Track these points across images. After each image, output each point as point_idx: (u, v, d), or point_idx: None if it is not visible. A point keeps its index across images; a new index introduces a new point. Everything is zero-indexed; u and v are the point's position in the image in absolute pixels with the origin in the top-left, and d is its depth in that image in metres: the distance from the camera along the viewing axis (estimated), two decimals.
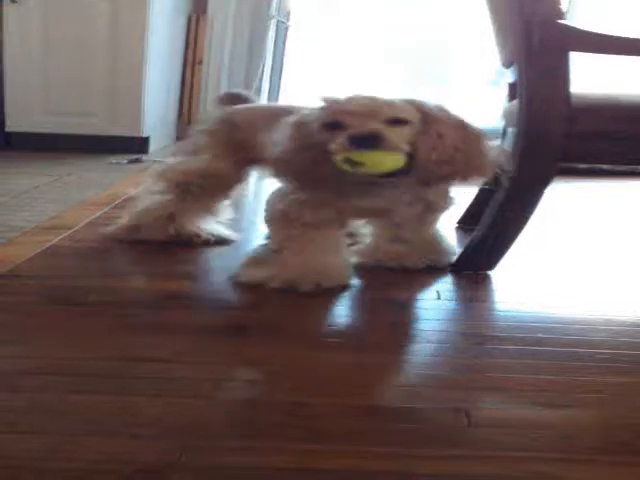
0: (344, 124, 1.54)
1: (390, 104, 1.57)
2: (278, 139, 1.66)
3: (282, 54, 4.68)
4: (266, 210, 1.74)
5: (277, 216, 1.70)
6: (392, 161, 1.53)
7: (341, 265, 1.71)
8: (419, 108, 1.60)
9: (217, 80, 4.53)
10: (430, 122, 1.59)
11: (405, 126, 1.57)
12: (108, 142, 3.93)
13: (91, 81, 3.92)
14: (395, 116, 1.56)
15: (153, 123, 4.05)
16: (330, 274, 1.66)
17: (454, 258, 1.86)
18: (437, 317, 1.54)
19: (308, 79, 4.88)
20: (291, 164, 1.63)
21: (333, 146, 1.54)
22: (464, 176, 1.64)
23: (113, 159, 3.66)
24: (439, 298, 1.65)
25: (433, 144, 1.58)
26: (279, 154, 1.65)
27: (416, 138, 1.58)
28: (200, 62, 4.51)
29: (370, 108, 1.55)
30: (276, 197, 1.73)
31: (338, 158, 1.53)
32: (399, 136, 1.54)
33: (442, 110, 1.64)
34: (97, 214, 2.41)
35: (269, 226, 1.74)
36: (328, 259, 1.68)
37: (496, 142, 1.80)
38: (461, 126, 1.63)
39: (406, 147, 1.55)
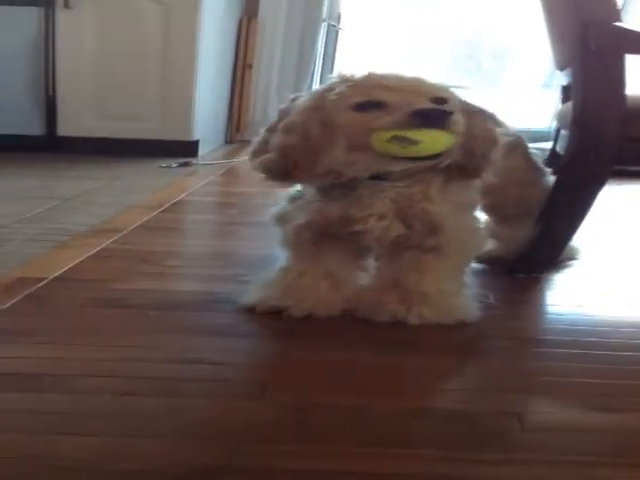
0: (385, 103, 1.36)
1: (433, 82, 1.43)
2: (288, 125, 1.44)
3: (333, 57, 4.69)
4: (280, 231, 1.59)
5: (290, 236, 1.55)
6: (447, 140, 1.37)
7: (338, 294, 1.54)
8: (454, 94, 1.47)
9: (267, 84, 4.55)
10: (470, 111, 1.46)
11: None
12: (158, 146, 3.96)
13: (142, 85, 3.95)
14: (440, 95, 1.41)
15: (203, 127, 4.08)
16: (324, 303, 1.52)
17: (468, 318, 1.52)
18: (488, 320, 1.53)
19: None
20: (296, 155, 1.42)
21: (380, 122, 1.35)
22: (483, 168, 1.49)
23: (163, 163, 3.70)
24: (492, 301, 1.63)
25: (476, 135, 1.45)
26: (283, 141, 1.43)
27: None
28: (251, 66, 4.53)
29: (416, 84, 1.40)
30: (284, 216, 1.57)
31: (383, 137, 1.35)
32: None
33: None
34: (147, 218, 2.44)
35: (284, 247, 1.59)
36: (326, 285, 1.53)
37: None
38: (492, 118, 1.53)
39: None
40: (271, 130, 1.49)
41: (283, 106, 1.52)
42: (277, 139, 1.44)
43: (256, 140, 1.52)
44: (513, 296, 1.72)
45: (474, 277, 1.74)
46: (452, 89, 1.48)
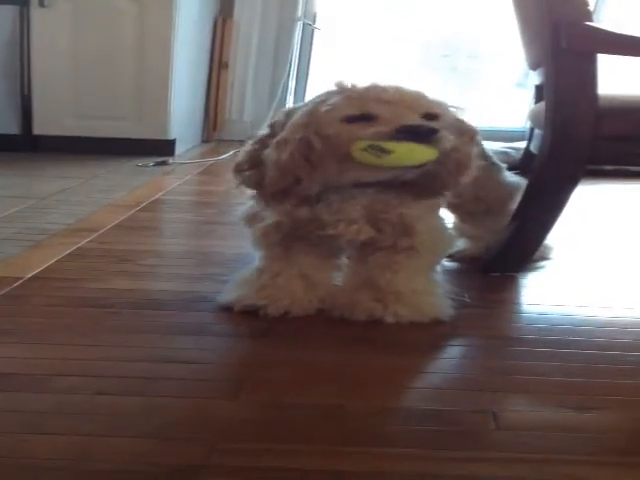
0: (376, 116, 1.37)
1: (427, 97, 1.42)
2: (282, 141, 1.42)
3: (309, 57, 4.68)
4: (250, 231, 1.58)
5: (259, 237, 1.54)
6: (427, 153, 1.37)
7: (313, 294, 1.54)
8: (447, 109, 1.45)
9: (243, 83, 4.55)
10: (460, 128, 1.45)
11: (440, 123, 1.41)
12: (135, 145, 3.94)
13: (118, 85, 3.93)
14: (432, 111, 1.41)
15: (179, 126, 4.06)
16: (300, 302, 1.52)
17: (443, 316, 1.52)
18: (464, 319, 1.53)
19: (334, 80, 4.87)
20: (289, 172, 1.40)
21: (362, 133, 1.35)
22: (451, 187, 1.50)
23: (139, 162, 3.68)
24: (467, 300, 1.64)
25: (461, 154, 1.44)
26: (277, 159, 1.40)
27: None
28: (226, 65, 4.53)
29: (409, 99, 1.39)
30: (252, 216, 1.56)
31: (360, 145, 1.35)
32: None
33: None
34: (124, 217, 2.43)
35: (255, 248, 1.59)
36: (301, 285, 1.53)
37: (497, 143, 1.69)
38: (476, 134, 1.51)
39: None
40: (260, 143, 1.47)
41: (276, 119, 1.50)
42: (272, 155, 1.41)
43: (243, 152, 1.49)
44: (488, 295, 1.71)
45: (448, 276, 1.75)
46: (450, 107, 1.47)
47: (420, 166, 1.39)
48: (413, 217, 1.48)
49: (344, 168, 1.41)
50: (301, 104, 1.51)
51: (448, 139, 1.38)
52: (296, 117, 1.43)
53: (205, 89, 4.57)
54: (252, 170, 1.45)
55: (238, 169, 1.48)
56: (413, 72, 4.96)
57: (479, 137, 1.55)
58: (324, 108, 1.40)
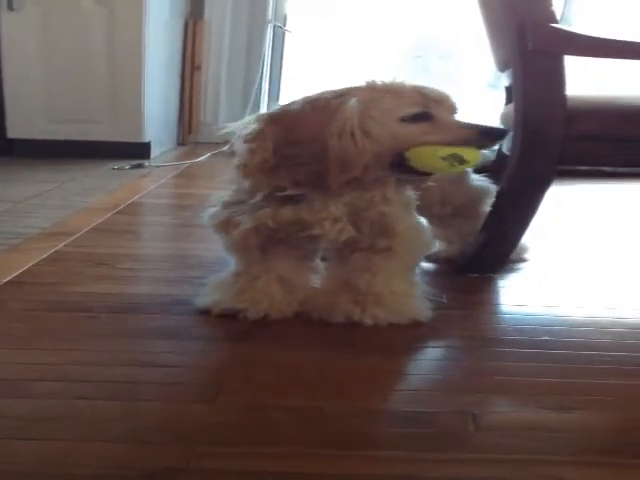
0: (433, 116, 1.40)
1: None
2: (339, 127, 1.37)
3: (281, 58, 4.68)
4: (223, 237, 1.55)
5: (238, 242, 1.51)
6: (480, 157, 1.42)
7: (292, 296, 1.53)
8: None
9: (217, 85, 4.54)
10: None
11: None
12: (110, 148, 3.92)
13: (91, 88, 3.90)
14: (457, 108, 1.46)
15: (154, 128, 4.04)
16: (279, 305, 1.51)
17: (422, 318, 1.51)
18: (443, 321, 1.53)
19: (308, 82, 4.88)
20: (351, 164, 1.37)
21: (436, 138, 1.37)
22: None
23: (115, 165, 3.66)
24: (445, 301, 1.63)
25: None
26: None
27: None
28: (199, 68, 4.51)
29: (446, 98, 1.44)
30: (226, 222, 1.52)
31: (439, 153, 1.35)
32: None
33: None
34: (100, 220, 2.41)
35: (231, 253, 1.58)
36: (280, 288, 1.52)
37: None
38: None
39: None
40: (254, 140, 1.40)
41: (271, 112, 1.46)
42: (335, 146, 1.35)
43: (253, 151, 1.40)
44: (466, 296, 1.71)
45: (425, 277, 1.76)
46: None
47: None
48: (393, 217, 1.47)
49: (376, 168, 1.40)
50: (296, 100, 1.46)
51: None
52: (343, 109, 1.37)
53: (179, 92, 4.55)
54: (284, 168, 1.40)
55: (263, 167, 1.40)
56: (385, 73, 4.96)
57: None
58: (378, 105, 1.39)
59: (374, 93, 1.42)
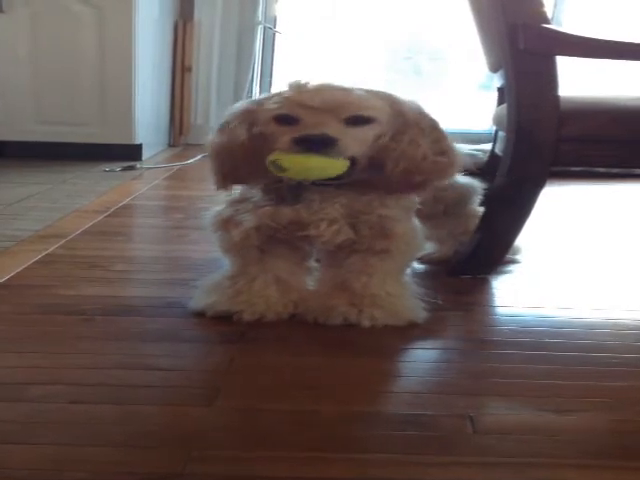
0: (298, 119, 1.38)
1: (356, 100, 1.38)
2: (221, 125, 1.49)
3: (271, 60, 4.68)
4: (221, 237, 1.56)
5: (238, 242, 1.51)
6: (320, 170, 1.37)
7: (288, 298, 1.53)
8: (394, 106, 1.43)
9: (207, 87, 4.53)
10: (405, 125, 1.42)
11: (370, 125, 1.40)
12: (101, 150, 3.91)
13: (81, 89, 3.89)
14: (358, 114, 1.38)
15: (145, 130, 4.03)
16: (275, 307, 1.51)
17: (418, 319, 1.51)
18: (438, 322, 1.53)
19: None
20: (223, 156, 1.47)
21: (278, 144, 1.38)
22: (427, 183, 1.48)
23: (107, 167, 3.65)
24: (440, 302, 1.63)
25: (403, 151, 1.41)
26: (214, 141, 1.48)
27: (383, 140, 1.41)
28: (189, 69, 4.50)
29: (331, 104, 1.36)
30: (226, 221, 1.53)
31: (269, 159, 1.38)
32: (358, 139, 1.38)
33: (417, 109, 1.46)
34: (92, 222, 2.40)
35: (228, 253, 1.57)
36: (276, 290, 1.52)
37: (464, 145, 1.68)
38: (434, 128, 1.46)
39: (360, 151, 1.39)
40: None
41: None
42: (215, 140, 1.48)
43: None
44: (460, 297, 1.71)
45: (420, 278, 1.75)
46: (398, 99, 1.45)
47: (331, 178, 1.40)
48: (392, 219, 1.48)
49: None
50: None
51: (351, 148, 1.37)
52: (236, 107, 1.48)
53: (170, 93, 4.54)
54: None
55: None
56: (376, 74, 4.97)
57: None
58: (263, 104, 1.43)
59: (275, 94, 1.45)
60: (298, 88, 1.40)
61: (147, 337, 1.42)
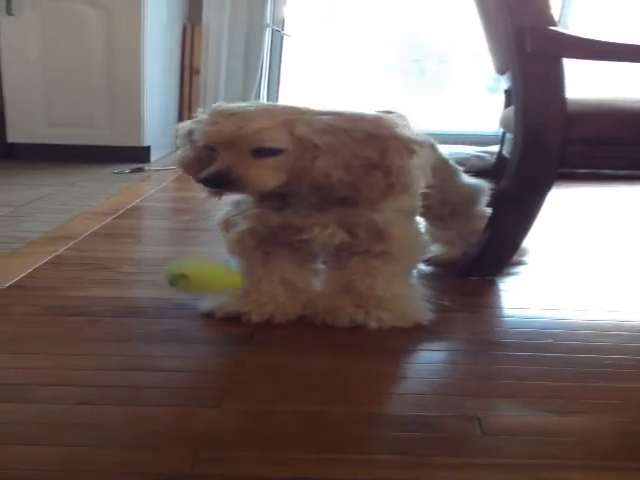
0: (217, 151, 1.40)
1: (257, 132, 1.35)
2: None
3: (279, 62, 4.68)
4: (225, 237, 1.57)
5: (234, 243, 1.53)
6: (213, 284, 1.42)
7: (296, 299, 1.52)
8: (294, 131, 1.36)
9: (216, 89, 4.53)
10: (305, 146, 1.36)
11: (277, 156, 1.37)
12: (110, 152, 3.92)
13: (90, 92, 3.90)
14: (261, 146, 1.36)
15: (154, 132, 4.04)
16: (283, 308, 1.51)
17: (424, 320, 1.51)
18: (445, 324, 1.52)
19: (307, 86, 4.88)
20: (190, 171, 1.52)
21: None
22: (365, 194, 1.39)
23: (115, 169, 3.65)
24: (446, 304, 1.62)
25: (303, 169, 1.37)
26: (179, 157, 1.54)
27: (295, 165, 1.38)
28: (198, 71, 4.50)
29: (235, 136, 1.35)
30: (227, 222, 1.56)
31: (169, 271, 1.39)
32: (269, 169, 1.37)
33: (375, 123, 1.39)
34: (101, 224, 2.40)
35: (230, 254, 1.57)
36: (283, 290, 1.52)
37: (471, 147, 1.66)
38: (364, 140, 1.36)
39: (272, 182, 1.38)
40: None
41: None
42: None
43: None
44: (467, 299, 1.70)
45: (425, 280, 1.75)
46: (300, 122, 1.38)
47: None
48: (387, 222, 1.47)
49: None
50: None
51: (261, 181, 1.37)
52: (181, 127, 1.52)
53: (178, 96, 4.54)
54: None
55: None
56: (382, 76, 4.97)
57: (424, 144, 1.51)
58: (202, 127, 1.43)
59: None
60: (212, 118, 1.40)
61: (155, 338, 1.42)
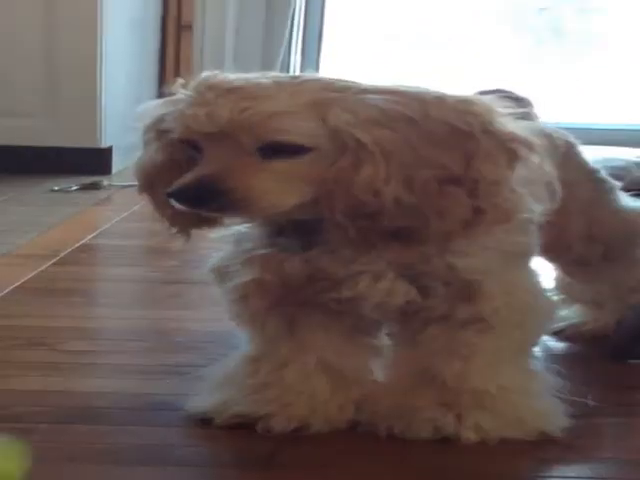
0: (201, 148, 1.40)
1: (269, 116, 1.34)
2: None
3: (321, 15, 4.69)
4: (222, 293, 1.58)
5: (237, 303, 1.54)
6: None
7: (345, 395, 1.53)
8: (324, 118, 1.35)
9: (217, 55, 4.50)
10: (343, 144, 1.35)
11: (299, 157, 1.36)
12: (49, 157, 3.95)
13: (19, 65, 3.96)
14: (275, 141, 1.35)
15: (117, 127, 4.06)
16: (324, 410, 1.51)
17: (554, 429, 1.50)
18: (587, 436, 1.52)
19: (364, 53, 4.94)
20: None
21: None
22: (437, 225, 1.37)
23: (56, 185, 3.69)
24: (590, 403, 1.60)
25: (339, 180, 1.36)
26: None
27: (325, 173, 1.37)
28: (189, 27, 4.52)
29: (234, 125, 1.35)
30: (222, 270, 1.56)
31: None
32: (285, 178, 1.37)
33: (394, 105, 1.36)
34: (32, 274, 2.43)
35: (235, 321, 1.60)
36: (324, 381, 1.52)
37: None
38: (441, 138, 1.36)
39: (288, 202, 1.37)
40: None
41: None
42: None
43: None
44: (627, 395, 1.72)
45: (559, 364, 1.75)
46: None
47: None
48: (476, 270, 1.46)
49: None
50: None
51: (270, 199, 1.36)
52: (146, 110, 1.53)
53: (157, 67, 4.58)
54: None
55: None
56: (490, 35, 5.03)
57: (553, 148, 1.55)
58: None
59: None
60: (198, 96, 1.41)
61: (121, 459, 1.43)
